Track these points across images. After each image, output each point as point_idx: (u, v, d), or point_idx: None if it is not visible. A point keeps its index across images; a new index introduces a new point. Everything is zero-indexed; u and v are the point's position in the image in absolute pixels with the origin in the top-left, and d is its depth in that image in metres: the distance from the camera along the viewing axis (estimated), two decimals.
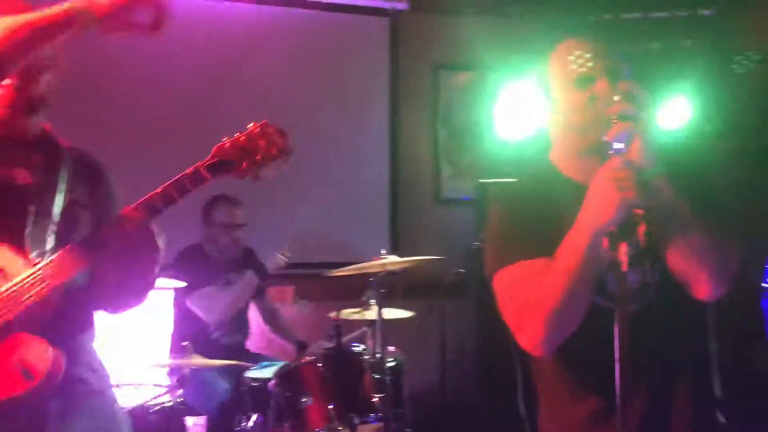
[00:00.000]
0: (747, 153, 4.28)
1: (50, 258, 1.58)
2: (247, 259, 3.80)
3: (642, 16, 4.09)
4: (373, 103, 4.61)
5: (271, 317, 4.00)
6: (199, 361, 2.98)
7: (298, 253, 4.40)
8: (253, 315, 3.96)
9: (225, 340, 3.65)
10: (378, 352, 3.20)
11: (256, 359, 3.56)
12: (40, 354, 1.54)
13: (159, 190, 1.64)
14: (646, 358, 1.54)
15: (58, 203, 1.68)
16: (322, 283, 3.99)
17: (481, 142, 4.70)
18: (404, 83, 4.67)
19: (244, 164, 1.66)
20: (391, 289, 3.60)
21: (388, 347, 3.45)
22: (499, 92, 4.62)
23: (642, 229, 1.60)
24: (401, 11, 4.60)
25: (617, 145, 1.41)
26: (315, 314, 4.26)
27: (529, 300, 1.51)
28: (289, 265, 4.37)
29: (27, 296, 1.55)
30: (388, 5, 4.54)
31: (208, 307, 3.53)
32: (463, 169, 4.76)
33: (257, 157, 1.66)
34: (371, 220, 4.57)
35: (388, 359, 3.34)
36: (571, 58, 1.60)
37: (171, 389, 3.09)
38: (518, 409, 2.00)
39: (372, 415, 3.00)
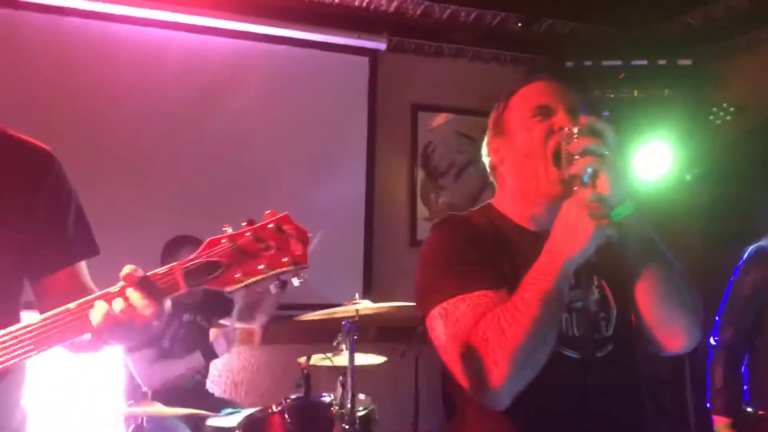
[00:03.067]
0: (721, 202, 4.28)
1: None
2: (209, 301, 3.61)
3: (622, 64, 4.09)
4: (351, 142, 4.53)
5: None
6: (157, 409, 2.81)
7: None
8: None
9: (186, 384, 3.48)
10: (348, 401, 3.07)
11: (219, 405, 3.39)
12: None
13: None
14: (608, 408, 1.46)
15: None
16: (291, 326, 3.86)
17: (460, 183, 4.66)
18: (382, 123, 4.61)
19: (235, 273, 1.25)
20: (363, 334, 3.48)
21: (359, 395, 3.31)
22: (480, 134, 4.59)
23: (594, 282, 1.54)
24: (380, 51, 4.56)
25: (583, 179, 1.36)
26: (283, 359, 4.12)
27: (490, 337, 1.32)
28: None
29: None
30: (367, 45, 4.50)
31: (145, 374, 3.22)
32: (439, 211, 4.67)
33: (257, 266, 1.25)
34: (345, 262, 4.45)
35: (359, 408, 3.21)
36: (531, 91, 1.59)
37: None
38: None
39: None
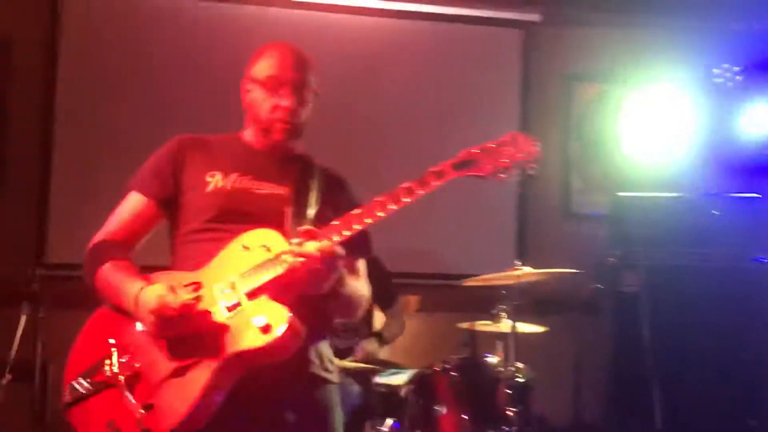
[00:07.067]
0: None
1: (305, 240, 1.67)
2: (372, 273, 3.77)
3: None
4: (504, 114, 4.54)
5: None
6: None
7: (423, 263, 4.40)
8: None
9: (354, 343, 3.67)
10: (510, 366, 3.12)
11: (385, 365, 3.54)
12: (279, 315, 1.61)
13: (404, 185, 1.72)
14: None
15: (311, 210, 1.87)
16: (446, 293, 3.96)
17: (614, 155, 4.55)
18: (535, 95, 4.59)
19: (489, 163, 1.73)
20: (520, 303, 3.50)
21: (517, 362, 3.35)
22: (632, 104, 4.50)
23: None
24: (534, 23, 4.54)
25: None
26: (439, 326, 4.22)
27: None
28: (414, 275, 4.37)
29: (280, 264, 1.65)
30: (520, 17, 4.49)
31: None
32: (595, 183, 4.60)
33: (503, 158, 1.73)
34: (497, 232, 4.49)
35: (518, 375, 3.25)
36: None
37: None
38: None
39: (506, 428, 2.90)
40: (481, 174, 1.74)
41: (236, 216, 1.82)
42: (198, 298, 1.66)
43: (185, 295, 1.65)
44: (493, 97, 4.55)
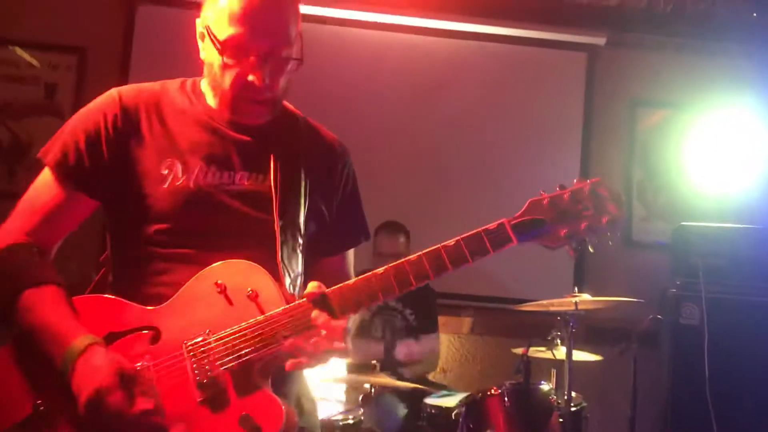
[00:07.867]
0: None
1: (302, 304, 1.31)
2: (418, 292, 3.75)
3: None
4: (566, 138, 4.49)
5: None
6: (385, 380, 2.97)
7: (479, 286, 4.35)
8: None
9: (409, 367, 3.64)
10: (564, 394, 3.06)
11: (437, 387, 3.51)
12: (273, 414, 1.25)
13: (450, 243, 1.34)
14: None
15: (302, 211, 1.46)
16: (502, 317, 3.89)
17: (679, 183, 4.44)
18: (599, 120, 4.52)
19: (562, 231, 1.33)
20: (576, 330, 3.43)
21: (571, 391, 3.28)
22: (699, 131, 4.39)
23: None
24: (599, 46, 4.47)
25: None
26: (491, 350, 4.17)
27: None
28: (469, 297, 4.33)
29: (277, 340, 1.29)
30: (585, 40, 4.44)
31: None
32: (657, 212, 4.49)
33: (581, 226, 1.33)
34: (556, 258, 4.37)
35: (572, 403, 3.18)
36: None
37: (353, 408, 3.10)
38: None
39: None
40: (551, 246, 1.35)
41: (202, 226, 1.37)
42: (159, 413, 1.24)
43: (139, 389, 1.23)
44: (557, 120, 4.49)
